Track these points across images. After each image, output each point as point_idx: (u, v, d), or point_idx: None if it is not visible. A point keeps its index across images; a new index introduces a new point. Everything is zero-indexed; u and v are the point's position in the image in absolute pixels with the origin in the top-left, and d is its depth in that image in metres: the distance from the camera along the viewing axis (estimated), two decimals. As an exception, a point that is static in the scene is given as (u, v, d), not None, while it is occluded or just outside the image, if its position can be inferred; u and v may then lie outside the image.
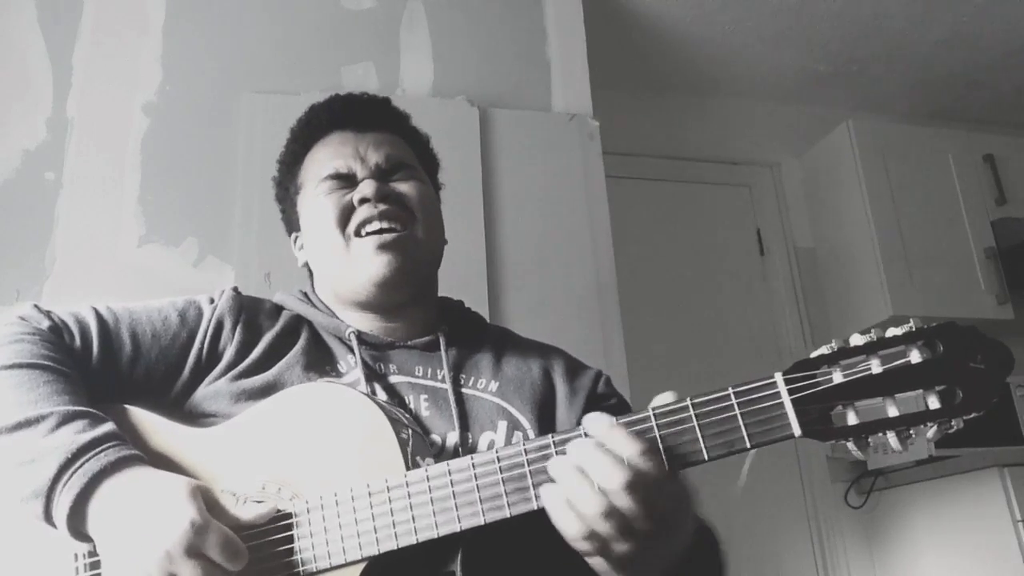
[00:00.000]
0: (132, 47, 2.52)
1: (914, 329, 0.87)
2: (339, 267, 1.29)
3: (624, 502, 0.85)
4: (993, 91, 4.04)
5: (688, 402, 0.92)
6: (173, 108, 2.50)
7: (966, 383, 0.84)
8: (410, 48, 2.75)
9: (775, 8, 3.35)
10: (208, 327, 1.25)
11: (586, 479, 0.87)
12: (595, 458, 0.88)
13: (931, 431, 0.85)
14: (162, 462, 1.07)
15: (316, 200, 1.31)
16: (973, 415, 0.84)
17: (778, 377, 0.90)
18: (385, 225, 1.26)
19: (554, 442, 0.95)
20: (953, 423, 0.85)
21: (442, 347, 1.29)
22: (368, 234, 1.26)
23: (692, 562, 0.96)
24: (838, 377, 0.88)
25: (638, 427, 0.91)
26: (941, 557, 3.16)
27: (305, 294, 1.39)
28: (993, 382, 0.84)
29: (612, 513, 0.85)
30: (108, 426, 1.04)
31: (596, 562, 0.92)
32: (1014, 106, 4.16)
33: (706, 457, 0.90)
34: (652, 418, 0.91)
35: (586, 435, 0.92)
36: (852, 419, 0.87)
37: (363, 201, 1.27)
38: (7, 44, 2.44)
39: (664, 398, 0.93)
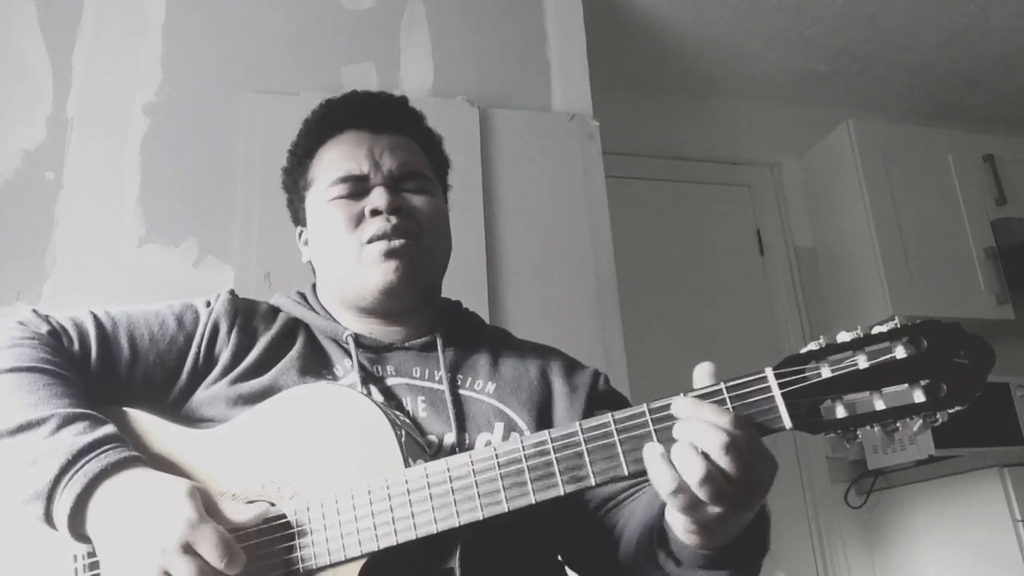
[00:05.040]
0: (132, 47, 2.53)
1: (899, 326, 0.89)
2: (346, 273, 1.29)
3: (724, 463, 0.85)
4: (993, 91, 4.04)
5: (681, 396, 0.93)
6: (173, 108, 2.50)
7: (950, 377, 0.86)
8: (410, 48, 2.76)
9: (775, 8, 3.35)
10: (204, 331, 1.26)
11: (686, 442, 0.88)
12: (694, 425, 0.88)
13: (916, 424, 0.87)
14: (162, 464, 1.07)
15: (326, 204, 1.31)
16: (957, 408, 0.86)
17: (768, 372, 0.91)
18: (394, 236, 1.26)
19: (551, 437, 0.96)
20: (938, 416, 0.86)
21: (439, 348, 1.29)
22: (376, 242, 1.26)
23: (752, 530, 0.96)
24: (826, 372, 0.90)
25: (713, 399, 0.91)
26: (941, 557, 3.15)
27: (303, 296, 1.38)
28: (976, 376, 0.86)
29: (711, 478, 0.85)
30: (108, 428, 1.04)
31: (680, 521, 0.93)
32: (1014, 106, 4.16)
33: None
34: (724, 391, 0.92)
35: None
36: (840, 412, 0.89)
37: (375, 213, 1.27)
38: (7, 44, 2.45)
39: (702, 370, 0.94)
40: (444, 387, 1.24)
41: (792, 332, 3.69)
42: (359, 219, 1.28)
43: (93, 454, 1.00)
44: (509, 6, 2.91)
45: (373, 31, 2.74)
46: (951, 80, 3.93)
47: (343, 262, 1.29)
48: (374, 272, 1.26)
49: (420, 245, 1.28)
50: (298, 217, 1.42)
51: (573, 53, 2.93)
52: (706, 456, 0.85)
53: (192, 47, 2.58)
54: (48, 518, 1.00)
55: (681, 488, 0.86)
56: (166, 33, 2.57)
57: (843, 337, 0.90)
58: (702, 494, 0.85)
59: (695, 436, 0.87)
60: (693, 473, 0.85)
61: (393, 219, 1.26)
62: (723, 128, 3.94)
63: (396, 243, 1.25)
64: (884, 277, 3.44)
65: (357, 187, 1.30)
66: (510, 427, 1.22)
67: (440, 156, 1.46)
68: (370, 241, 1.26)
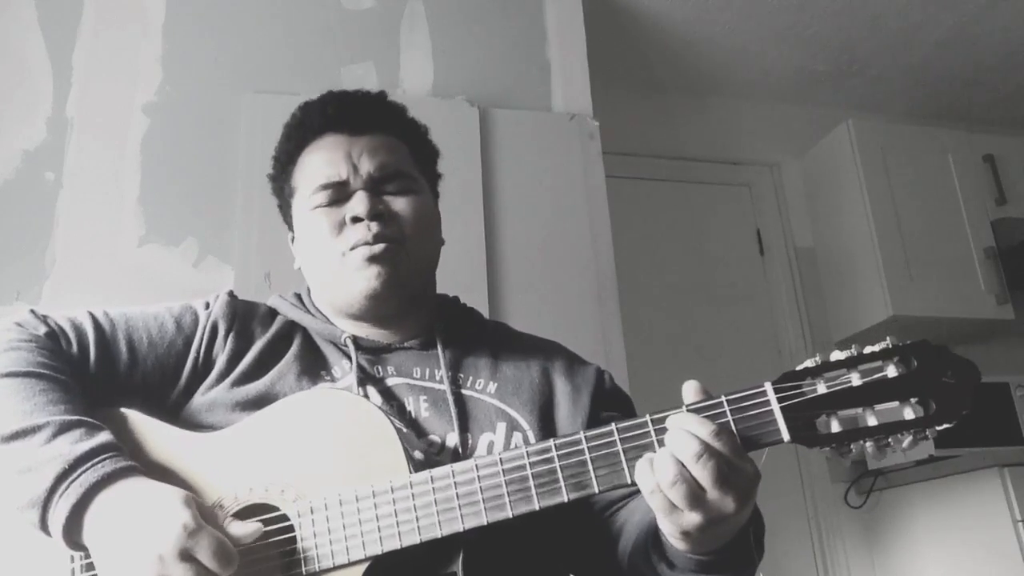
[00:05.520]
0: (132, 47, 2.53)
1: (890, 346, 0.93)
2: (332, 280, 1.29)
3: (695, 470, 0.89)
4: (993, 91, 4.04)
5: (683, 409, 0.95)
6: (173, 108, 2.50)
7: (938, 396, 0.90)
8: (410, 48, 2.76)
9: (775, 8, 3.35)
10: (203, 334, 1.25)
11: (666, 448, 0.92)
12: (674, 433, 0.93)
13: (907, 440, 0.91)
14: (162, 467, 1.07)
15: (309, 212, 1.30)
16: (945, 425, 0.90)
17: (768, 386, 0.95)
18: (375, 243, 1.25)
19: (555, 445, 0.98)
20: (927, 432, 0.90)
21: (439, 347, 1.29)
22: (358, 249, 1.25)
23: (743, 539, 0.99)
24: (821, 388, 0.93)
25: (710, 412, 0.96)
26: (941, 557, 3.16)
27: (299, 298, 1.38)
28: (963, 395, 0.90)
29: (682, 481, 0.89)
30: (104, 436, 1.04)
31: (664, 524, 0.95)
32: (1014, 106, 4.16)
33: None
34: (724, 404, 0.96)
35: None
36: (835, 427, 0.92)
37: (355, 220, 1.26)
38: (7, 44, 2.45)
39: (689, 387, 0.98)
40: (445, 387, 1.24)
41: (792, 332, 3.69)
42: (341, 226, 1.27)
43: (89, 463, 1.00)
44: (509, 6, 2.91)
45: (373, 31, 2.74)
46: (951, 80, 3.93)
47: (329, 270, 1.29)
48: (357, 279, 1.25)
49: (403, 249, 1.27)
50: (289, 221, 1.42)
51: (573, 53, 2.94)
52: (680, 463, 0.90)
53: (192, 47, 2.58)
54: (43, 526, 1.00)
55: (656, 489, 0.91)
56: (166, 33, 2.57)
57: (837, 355, 0.93)
58: (673, 496, 0.89)
59: (672, 443, 0.91)
60: (664, 476, 0.90)
61: (374, 226, 1.25)
62: (723, 128, 3.94)
63: (377, 249, 1.25)
64: (884, 277, 3.44)
65: (338, 193, 1.29)
66: (512, 427, 1.22)
67: (426, 148, 1.44)
68: (352, 248, 1.25)
